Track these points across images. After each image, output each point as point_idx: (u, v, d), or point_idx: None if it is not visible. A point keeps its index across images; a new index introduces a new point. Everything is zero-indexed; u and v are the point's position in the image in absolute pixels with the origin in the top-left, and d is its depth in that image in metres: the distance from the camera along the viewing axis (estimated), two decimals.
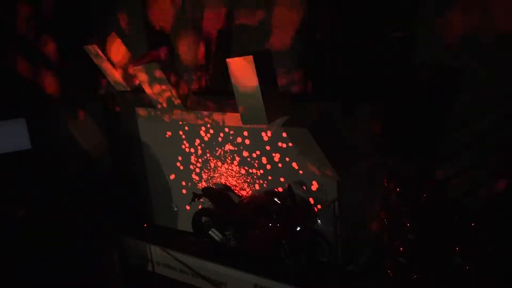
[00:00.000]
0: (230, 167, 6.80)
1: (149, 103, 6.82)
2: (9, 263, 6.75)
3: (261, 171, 6.46)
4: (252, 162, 6.50)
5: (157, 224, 8.00)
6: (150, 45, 7.15)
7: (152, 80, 6.21)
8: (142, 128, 7.62)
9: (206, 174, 7.10)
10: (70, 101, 7.49)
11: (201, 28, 6.67)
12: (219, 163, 6.88)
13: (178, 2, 6.76)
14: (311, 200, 6.04)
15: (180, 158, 7.28)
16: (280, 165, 6.22)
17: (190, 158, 7.17)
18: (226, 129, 6.58)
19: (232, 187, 6.86)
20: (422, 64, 5.16)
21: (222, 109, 6.47)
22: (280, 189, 6.32)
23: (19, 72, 7.03)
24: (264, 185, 6.49)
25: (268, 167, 6.36)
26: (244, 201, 6.48)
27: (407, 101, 5.28)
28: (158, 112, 7.00)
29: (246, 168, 6.61)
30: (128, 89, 7.20)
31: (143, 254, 7.42)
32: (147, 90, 6.41)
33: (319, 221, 5.99)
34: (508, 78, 4.67)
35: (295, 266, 6.01)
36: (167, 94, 6.30)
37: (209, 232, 6.63)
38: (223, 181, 6.95)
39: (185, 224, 7.34)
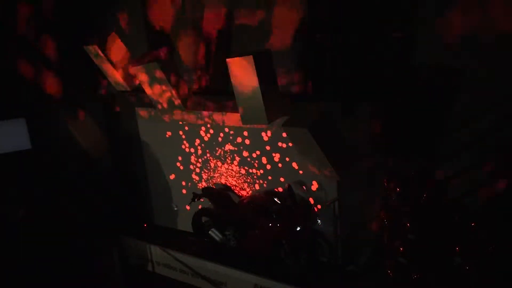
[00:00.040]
0: (230, 167, 6.80)
1: (149, 103, 6.82)
2: (9, 263, 6.75)
3: (261, 171, 6.46)
4: (252, 162, 6.50)
5: (157, 224, 8.00)
6: (150, 45, 7.14)
7: (152, 80, 6.21)
8: (142, 128, 7.62)
9: (206, 174, 7.10)
10: (70, 101, 7.49)
11: (201, 28, 6.67)
12: (219, 163, 6.88)
13: (178, 2, 6.75)
14: (311, 200, 6.04)
15: (180, 158, 7.28)
16: (280, 165, 6.22)
17: (190, 158, 7.17)
18: (226, 129, 6.58)
19: (232, 187, 6.86)
20: (422, 64, 5.16)
21: (222, 109, 6.46)
22: (280, 189, 6.32)
23: (19, 72, 7.02)
24: (264, 185, 6.49)
25: (268, 167, 6.36)
26: (244, 201, 6.48)
27: (407, 101, 5.28)
28: (158, 112, 7.00)
29: (246, 168, 6.61)
30: (128, 89, 7.20)
31: (143, 254, 7.42)
32: (147, 90, 6.41)
33: (319, 221, 5.99)
34: (508, 78, 4.67)
35: (295, 266, 6.01)
36: (167, 94, 6.30)
37: (209, 232, 6.63)
38: (223, 181, 6.95)
39: (185, 224, 7.34)
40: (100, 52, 6.77)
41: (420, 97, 5.22)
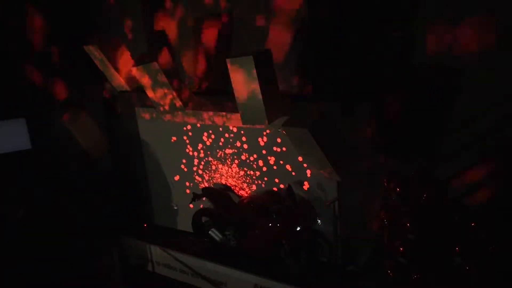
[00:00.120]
0: (230, 169, 6.80)
1: (150, 104, 6.81)
2: (9, 263, 6.75)
3: (258, 173, 6.47)
4: (251, 163, 6.51)
5: (157, 224, 7.99)
6: (150, 45, 7.14)
7: (153, 81, 6.20)
8: (142, 128, 7.62)
9: (208, 175, 7.10)
10: (70, 101, 7.48)
11: (202, 28, 6.67)
12: (220, 165, 6.88)
13: (179, 3, 6.76)
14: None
15: (180, 158, 7.27)
16: (275, 167, 6.23)
17: (191, 158, 7.17)
18: (226, 134, 6.59)
19: (232, 187, 6.86)
20: (422, 64, 5.16)
21: (222, 110, 6.46)
22: (275, 189, 6.32)
23: (19, 72, 7.02)
24: (263, 185, 6.50)
25: (264, 169, 6.37)
26: (244, 201, 6.48)
27: (407, 101, 5.28)
28: (160, 114, 7.01)
29: (245, 169, 6.62)
30: (129, 89, 7.20)
31: (143, 254, 7.42)
32: (148, 91, 6.40)
33: (319, 221, 5.99)
34: (508, 78, 4.67)
35: (295, 266, 6.00)
36: (168, 95, 6.29)
37: (209, 232, 6.63)
38: (223, 181, 6.95)
39: (185, 224, 7.34)
40: (100, 52, 6.77)
41: (420, 97, 5.23)
